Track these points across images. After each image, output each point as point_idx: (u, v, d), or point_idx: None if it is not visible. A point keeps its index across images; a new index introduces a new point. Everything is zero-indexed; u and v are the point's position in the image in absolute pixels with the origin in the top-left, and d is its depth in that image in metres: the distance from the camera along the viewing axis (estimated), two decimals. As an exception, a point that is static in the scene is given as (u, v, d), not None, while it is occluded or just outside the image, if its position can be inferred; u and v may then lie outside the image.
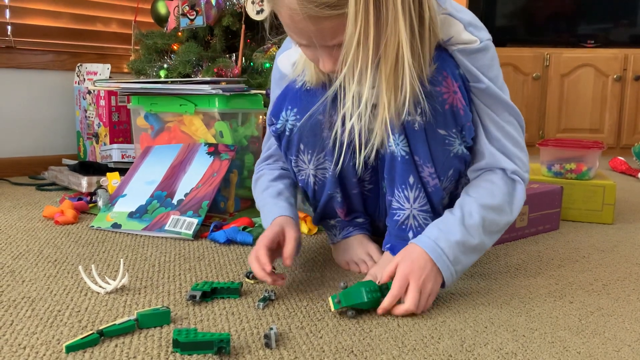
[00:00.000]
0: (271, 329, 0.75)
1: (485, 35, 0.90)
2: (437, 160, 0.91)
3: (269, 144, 1.12)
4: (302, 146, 0.99)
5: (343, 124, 0.85)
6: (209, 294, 0.90)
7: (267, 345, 0.74)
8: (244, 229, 1.28)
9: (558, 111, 3.33)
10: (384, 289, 0.86)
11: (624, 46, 3.29)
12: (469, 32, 0.88)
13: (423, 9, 0.78)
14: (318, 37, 0.77)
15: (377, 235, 1.13)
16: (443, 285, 0.88)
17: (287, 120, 0.98)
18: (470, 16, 0.90)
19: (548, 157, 1.60)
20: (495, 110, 0.93)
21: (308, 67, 0.93)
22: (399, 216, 0.96)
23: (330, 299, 0.85)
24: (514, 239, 1.31)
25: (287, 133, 0.99)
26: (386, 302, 0.84)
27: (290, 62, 1.01)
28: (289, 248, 0.92)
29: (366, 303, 0.84)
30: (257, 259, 0.90)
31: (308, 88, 0.95)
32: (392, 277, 0.87)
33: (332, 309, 0.84)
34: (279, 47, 1.24)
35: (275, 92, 1.05)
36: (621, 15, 3.39)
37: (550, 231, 1.41)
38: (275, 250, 0.95)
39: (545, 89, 3.33)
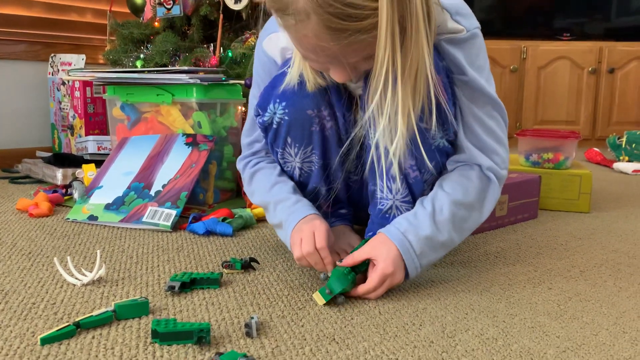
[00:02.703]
0: (252, 318, 0.74)
1: (473, 23, 0.89)
2: (418, 153, 0.90)
3: (256, 136, 1.08)
4: (289, 139, 0.98)
5: (370, 143, 0.85)
6: (188, 284, 0.89)
7: (248, 334, 0.73)
8: (223, 220, 1.27)
9: (535, 103, 3.37)
10: (357, 265, 0.88)
11: (598, 39, 3.34)
12: (455, 21, 0.87)
13: (431, 13, 0.76)
14: (344, 57, 0.76)
15: (359, 224, 1.13)
16: (407, 277, 0.89)
17: (274, 113, 0.96)
18: (458, 4, 0.88)
19: (526, 147, 1.61)
20: (477, 103, 0.91)
21: (304, 70, 0.91)
22: (382, 205, 0.96)
23: (318, 293, 0.84)
24: (494, 228, 1.32)
25: (274, 126, 0.97)
26: (361, 291, 0.86)
27: (277, 47, 0.99)
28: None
29: (350, 285, 0.85)
30: (326, 255, 0.89)
31: (299, 82, 0.93)
32: (357, 263, 0.87)
33: (324, 302, 0.83)
34: (257, 38, 1.22)
35: (262, 77, 1.02)
36: (596, 9, 3.44)
37: (529, 220, 1.42)
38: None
39: (522, 81, 3.37)
